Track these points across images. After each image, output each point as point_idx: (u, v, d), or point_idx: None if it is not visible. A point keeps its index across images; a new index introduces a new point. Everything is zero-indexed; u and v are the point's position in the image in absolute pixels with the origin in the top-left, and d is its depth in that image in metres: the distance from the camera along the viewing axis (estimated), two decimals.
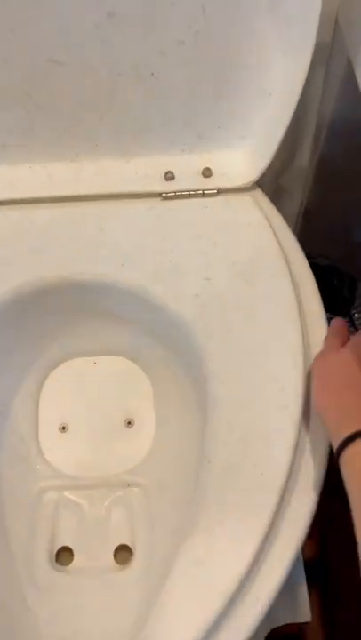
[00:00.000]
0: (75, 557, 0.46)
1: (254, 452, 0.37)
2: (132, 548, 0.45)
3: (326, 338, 0.41)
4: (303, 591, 0.76)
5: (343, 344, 0.38)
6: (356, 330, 0.60)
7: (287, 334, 0.41)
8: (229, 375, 0.40)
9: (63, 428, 0.51)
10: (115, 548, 0.46)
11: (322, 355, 0.39)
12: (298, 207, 0.62)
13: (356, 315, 0.57)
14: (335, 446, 0.33)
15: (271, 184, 0.54)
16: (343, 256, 0.63)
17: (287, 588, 0.75)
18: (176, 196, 0.48)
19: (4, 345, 0.48)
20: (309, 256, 0.52)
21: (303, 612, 0.75)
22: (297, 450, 0.37)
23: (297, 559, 0.63)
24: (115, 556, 0.46)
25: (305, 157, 0.56)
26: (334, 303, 0.55)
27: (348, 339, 0.39)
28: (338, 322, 0.41)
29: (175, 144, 0.48)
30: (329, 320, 0.42)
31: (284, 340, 0.41)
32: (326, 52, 0.48)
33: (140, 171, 0.48)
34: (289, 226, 0.49)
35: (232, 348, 0.41)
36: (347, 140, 0.50)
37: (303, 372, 0.39)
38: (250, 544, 0.34)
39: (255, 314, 0.42)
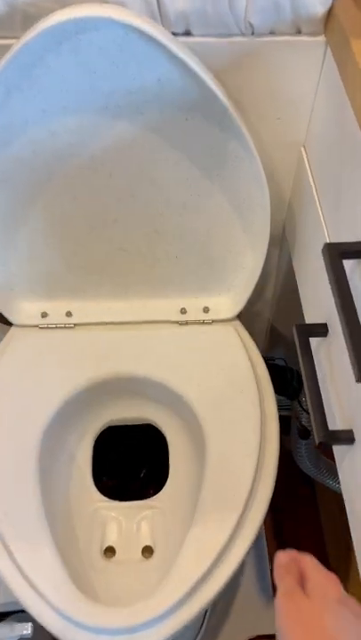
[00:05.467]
0: (116, 553, 0.71)
1: (232, 482, 0.64)
2: (153, 548, 0.71)
3: (280, 576, 0.37)
4: (272, 612, 1.00)
5: (297, 580, 0.37)
6: (305, 412, 0.88)
7: (251, 414, 0.69)
8: (218, 436, 0.68)
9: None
10: (142, 548, 0.71)
11: (291, 601, 0.35)
12: (266, 325, 0.92)
13: (303, 399, 0.85)
14: None
15: (247, 310, 0.84)
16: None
17: (260, 609, 0.99)
18: (187, 323, 0.78)
19: (75, 414, 0.76)
20: (272, 359, 0.81)
21: (272, 625, 0.98)
22: (255, 480, 0.64)
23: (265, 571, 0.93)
24: (142, 552, 0.71)
25: (269, 297, 0.87)
26: (287, 391, 0.84)
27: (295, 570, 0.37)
28: (284, 555, 0.39)
29: (188, 293, 0.78)
30: (283, 406, 0.70)
31: (250, 417, 0.69)
32: (279, 241, 0.80)
33: (166, 307, 0.78)
34: (258, 339, 0.78)
35: (219, 419, 0.69)
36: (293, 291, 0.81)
37: (259, 435, 0.66)
38: (224, 534, 0.60)
39: (233, 401, 0.71)
